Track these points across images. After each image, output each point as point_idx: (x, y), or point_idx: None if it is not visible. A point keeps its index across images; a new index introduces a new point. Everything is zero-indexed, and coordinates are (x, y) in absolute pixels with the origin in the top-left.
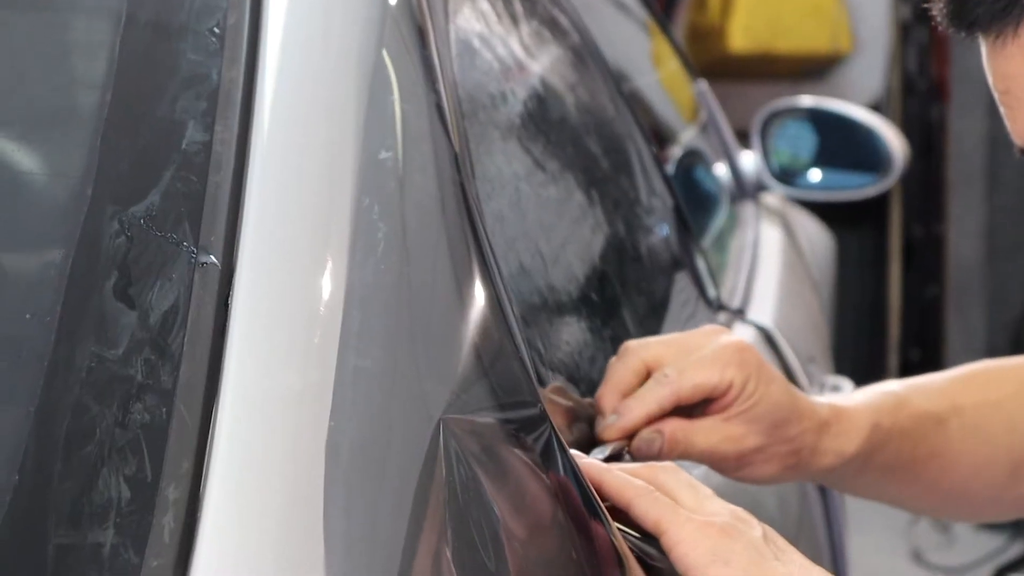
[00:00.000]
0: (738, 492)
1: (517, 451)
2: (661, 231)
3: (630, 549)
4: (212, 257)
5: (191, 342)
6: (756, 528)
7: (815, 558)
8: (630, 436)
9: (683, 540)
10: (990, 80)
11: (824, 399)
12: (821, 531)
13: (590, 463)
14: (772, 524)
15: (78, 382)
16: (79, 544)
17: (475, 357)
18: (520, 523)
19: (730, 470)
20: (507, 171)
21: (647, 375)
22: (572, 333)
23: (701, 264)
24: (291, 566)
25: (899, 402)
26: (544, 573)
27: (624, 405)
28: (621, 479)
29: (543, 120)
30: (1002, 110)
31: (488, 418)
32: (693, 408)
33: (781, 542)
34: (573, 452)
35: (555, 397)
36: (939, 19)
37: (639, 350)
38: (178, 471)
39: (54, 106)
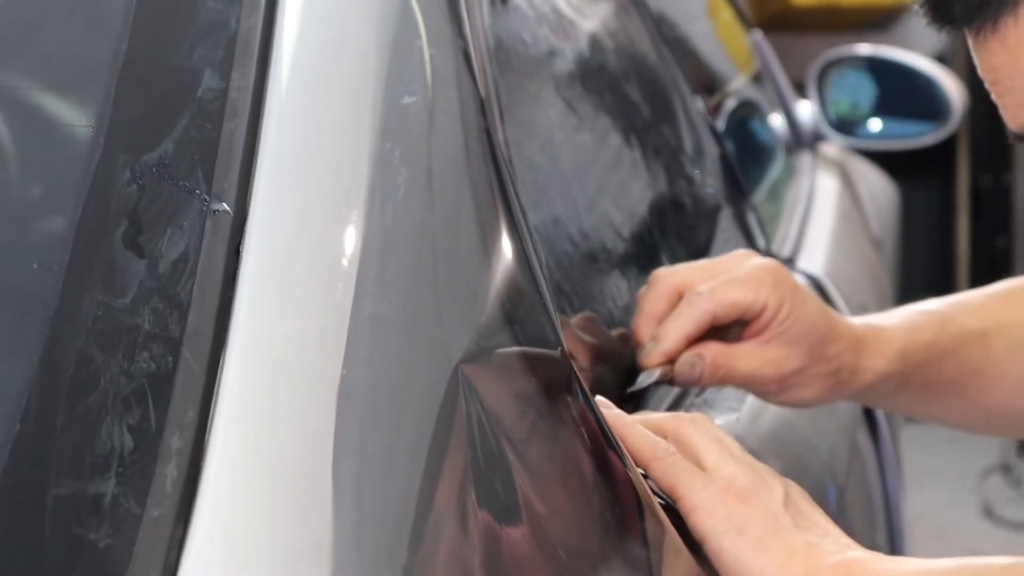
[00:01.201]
0: (781, 446)
1: (538, 399)
2: (705, 180)
3: (655, 498)
4: (224, 204)
5: (200, 290)
6: (777, 492)
7: (867, 514)
8: (672, 361)
9: (698, 506)
10: (979, 71)
11: (860, 319)
12: (875, 486)
13: (615, 416)
14: (816, 479)
15: (84, 331)
16: (79, 494)
17: (496, 304)
18: (540, 470)
19: (772, 394)
20: (544, 118)
21: (679, 299)
22: (607, 281)
23: (749, 213)
24: (298, 516)
25: (941, 320)
26: (566, 521)
27: (661, 329)
28: (641, 437)
29: (582, 67)
30: (993, 98)
31: (509, 365)
32: (730, 334)
33: (805, 506)
34: (601, 401)
35: (582, 332)
36: (922, 14)
37: (668, 276)
38: (183, 420)
39: (70, 53)
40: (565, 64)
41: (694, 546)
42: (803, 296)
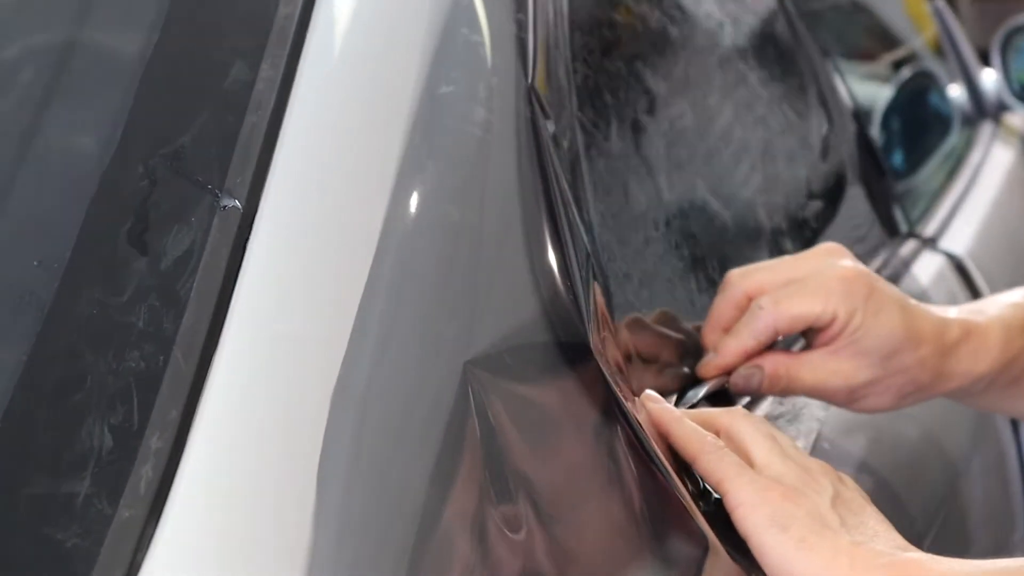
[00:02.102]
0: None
1: (559, 404)
2: (831, 156)
3: (696, 504)
4: (236, 201)
5: (199, 288)
6: (826, 491)
7: (1004, 509)
8: (730, 372)
9: (743, 503)
10: None
11: (956, 314)
12: (1014, 470)
13: (662, 410)
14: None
15: (76, 329)
16: (51, 494)
17: (517, 305)
18: (557, 480)
19: (841, 404)
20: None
21: (748, 305)
22: (698, 263)
23: (888, 192)
24: (273, 522)
25: None
26: (587, 533)
27: (722, 343)
28: (689, 431)
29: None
30: None
31: (525, 368)
32: (802, 340)
33: (857, 505)
34: (649, 395)
35: (658, 326)
36: None
37: (740, 281)
38: (165, 420)
39: (100, 44)
40: (681, 35)
41: (741, 544)
42: (879, 304)
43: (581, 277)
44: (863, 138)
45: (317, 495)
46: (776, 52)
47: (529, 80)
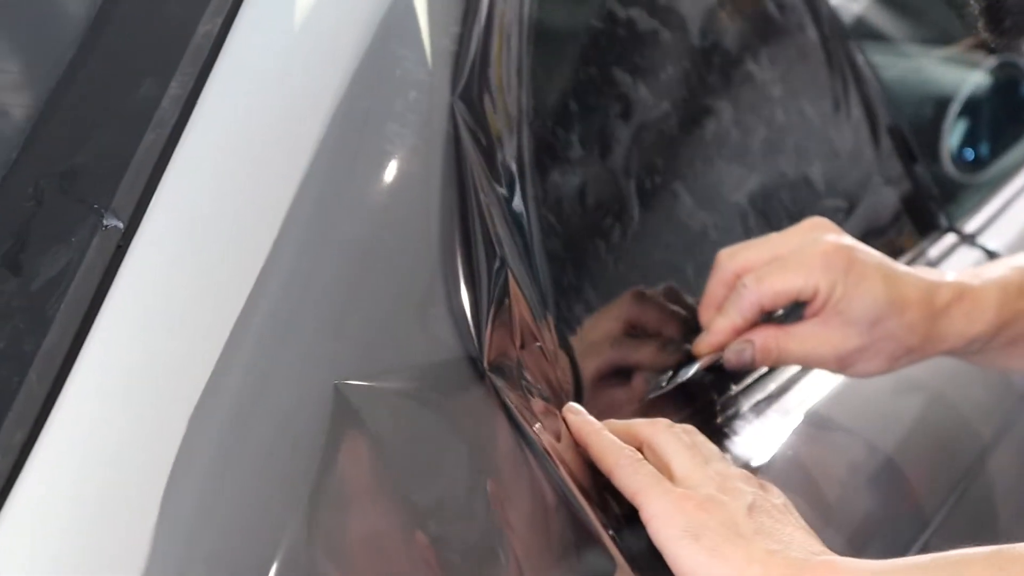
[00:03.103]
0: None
1: (441, 420)
2: (856, 146)
3: (604, 527)
4: (118, 220)
5: (67, 309)
6: (743, 500)
7: None
8: (723, 348)
9: (657, 514)
10: None
11: (952, 278)
12: None
13: (582, 423)
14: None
15: None
16: None
17: (404, 322)
18: (439, 499)
19: (834, 370)
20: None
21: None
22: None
23: (921, 182)
24: (102, 543)
25: None
26: (474, 552)
27: (712, 322)
28: (606, 444)
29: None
30: None
31: (405, 387)
32: (792, 314)
33: (778, 513)
34: (571, 407)
35: (668, 302)
36: (980, 27)
37: (728, 261)
38: (10, 443)
39: (17, 57)
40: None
41: (659, 557)
42: (860, 275)
43: (489, 293)
44: (896, 129)
45: (159, 521)
46: (798, 39)
47: (456, 94)
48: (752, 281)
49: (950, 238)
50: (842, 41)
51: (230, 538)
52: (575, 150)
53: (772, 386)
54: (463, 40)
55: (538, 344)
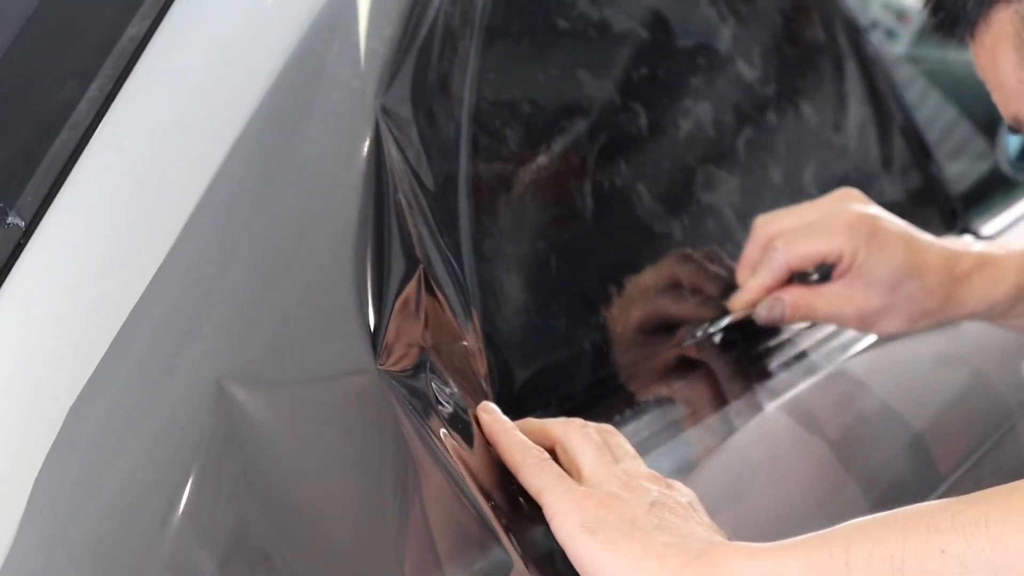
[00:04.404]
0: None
1: (331, 425)
2: (862, 144)
3: (505, 529)
4: (20, 219)
5: None
6: (645, 497)
7: None
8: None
9: (558, 512)
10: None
11: (978, 248)
12: None
13: (492, 421)
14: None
15: None
16: None
17: (297, 321)
18: (320, 507)
19: (857, 328)
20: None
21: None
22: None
23: (933, 182)
24: None
25: None
26: (363, 552)
27: (747, 281)
28: (514, 443)
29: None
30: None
31: (294, 386)
32: (825, 276)
33: (681, 509)
34: (484, 406)
35: (709, 263)
36: (931, 26)
37: (763, 226)
38: None
39: None
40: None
41: (563, 555)
42: (883, 241)
43: (396, 297)
44: (908, 127)
45: (29, 511)
46: (809, 36)
47: (382, 96)
48: (782, 244)
49: (966, 240)
50: (849, 32)
51: (102, 532)
52: (525, 149)
53: (817, 341)
54: (400, 42)
55: (463, 343)
